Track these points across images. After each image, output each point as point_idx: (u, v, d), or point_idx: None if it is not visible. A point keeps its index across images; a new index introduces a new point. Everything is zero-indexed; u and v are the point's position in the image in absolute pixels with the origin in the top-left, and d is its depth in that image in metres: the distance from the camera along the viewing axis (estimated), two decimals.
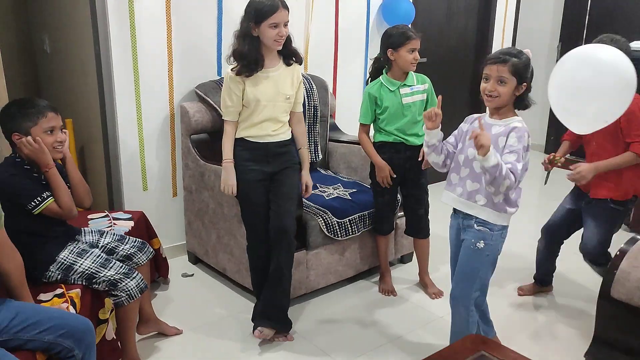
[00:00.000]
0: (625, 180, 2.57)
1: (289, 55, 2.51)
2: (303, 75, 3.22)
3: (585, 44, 5.34)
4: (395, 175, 2.84)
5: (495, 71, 2.01)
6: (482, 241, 2.11)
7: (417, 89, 2.84)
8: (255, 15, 2.36)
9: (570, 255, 3.32)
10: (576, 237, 2.89)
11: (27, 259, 1.98)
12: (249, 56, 2.39)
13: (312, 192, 3.04)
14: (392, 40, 2.76)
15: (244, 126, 2.51)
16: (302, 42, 3.59)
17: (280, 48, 2.43)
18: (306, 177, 2.69)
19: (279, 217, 2.51)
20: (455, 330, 2.28)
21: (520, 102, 2.09)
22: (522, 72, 2.02)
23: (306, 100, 3.25)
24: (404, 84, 2.81)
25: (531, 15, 5.48)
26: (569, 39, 5.45)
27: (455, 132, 2.24)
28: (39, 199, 2.12)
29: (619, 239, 2.91)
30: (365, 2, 3.89)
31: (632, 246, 2.01)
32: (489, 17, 4.85)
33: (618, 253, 2.02)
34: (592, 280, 3.07)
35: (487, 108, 2.15)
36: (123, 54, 2.97)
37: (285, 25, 2.38)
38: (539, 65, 5.62)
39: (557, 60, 5.45)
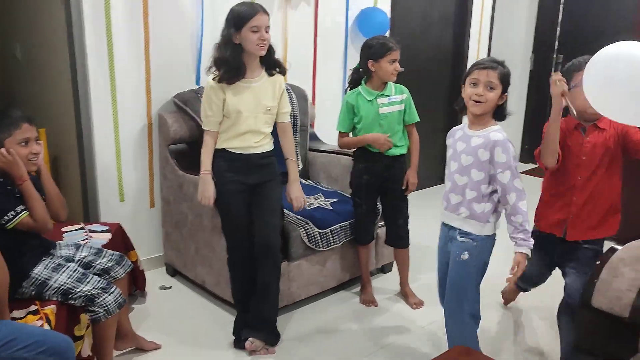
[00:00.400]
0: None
1: (272, 65, 2.47)
2: None
3: (557, 54, 5.52)
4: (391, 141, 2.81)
5: (486, 76, 2.01)
6: (466, 252, 2.11)
7: (395, 99, 2.85)
8: (235, 21, 2.34)
9: None
10: None
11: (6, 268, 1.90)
12: (230, 63, 2.36)
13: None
14: (372, 51, 2.76)
15: (225, 137, 2.46)
16: (281, 52, 3.57)
17: (263, 53, 2.38)
18: (294, 190, 2.59)
19: (265, 233, 2.48)
20: (452, 342, 2.26)
21: (500, 112, 2.09)
22: (508, 81, 2.05)
23: None
24: (382, 94, 2.82)
25: (505, 26, 5.58)
26: (542, 50, 5.58)
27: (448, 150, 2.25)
28: (12, 213, 2.06)
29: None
30: (344, 12, 3.90)
31: (612, 255, 2.04)
32: (464, 27, 4.92)
33: (598, 262, 2.04)
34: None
35: (467, 117, 2.14)
36: (99, 62, 2.91)
37: (267, 30, 2.35)
38: (513, 76, 5.72)
39: (530, 71, 5.65)
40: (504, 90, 2.05)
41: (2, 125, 2.08)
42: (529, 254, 2.04)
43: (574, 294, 2.19)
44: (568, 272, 2.30)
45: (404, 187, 2.90)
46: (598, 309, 1.96)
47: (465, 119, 2.17)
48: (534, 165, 5.78)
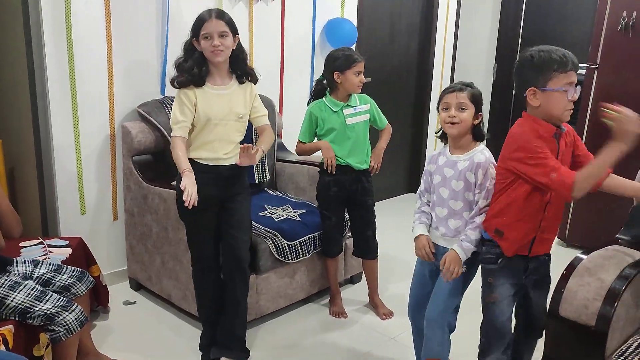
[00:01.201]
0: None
1: (243, 73, 2.42)
2: None
3: None
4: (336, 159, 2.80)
5: (455, 98, 2.06)
6: (464, 266, 2.10)
7: (361, 109, 2.85)
8: (193, 30, 2.31)
9: None
10: None
11: None
12: (189, 68, 2.31)
13: (260, 213, 2.98)
14: (338, 63, 2.76)
15: (193, 146, 2.39)
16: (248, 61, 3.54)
17: (219, 59, 2.30)
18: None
19: (235, 249, 2.43)
20: (428, 353, 2.24)
21: (479, 132, 2.12)
22: (479, 100, 2.09)
23: None
24: (347, 105, 2.82)
25: (469, 37, 5.67)
26: (504, 61, 5.69)
27: (423, 175, 2.25)
28: None
29: (560, 256, 3.00)
30: (310, 22, 3.90)
31: (578, 265, 2.08)
32: (429, 37, 4.99)
33: (564, 272, 2.07)
34: None
35: (449, 144, 2.15)
36: (59, 70, 2.82)
37: (222, 35, 2.27)
38: (478, 85, 5.86)
39: (493, 81, 5.75)
40: (478, 110, 2.08)
41: None
42: (462, 259, 2.04)
43: (542, 311, 2.12)
44: (532, 290, 2.13)
45: (370, 170, 2.91)
46: (565, 318, 1.98)
47: (441, 145, 2.21)
48: None
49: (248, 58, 2.44)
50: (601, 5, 3.72)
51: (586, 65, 3.88)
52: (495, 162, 2.08)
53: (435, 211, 2.17)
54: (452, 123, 2.06)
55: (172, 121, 2.37)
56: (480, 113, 2.09)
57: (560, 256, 3.69)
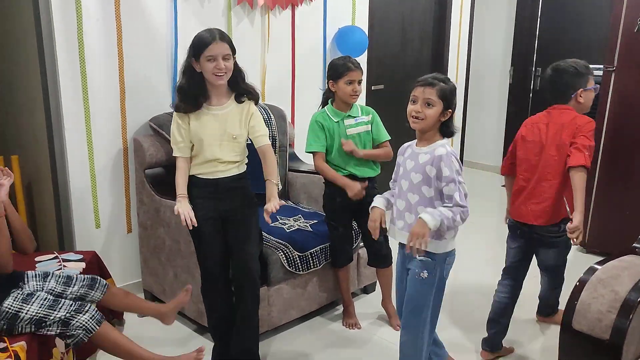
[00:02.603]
0: (561, 201, 2.49)
1: (242, 92, 2.40)
2: (260, 106, 3.18)
3: (535, 67, 5.57)
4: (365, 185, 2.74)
5: (423, 93, 2.02)
6: (425, 271, 2.09)
7: (362, 119, 2.82)
8: (194, 49, 2.29)
9: (532, 279, 3.34)
10: None
11: None
12: (188, 92, 2.32)
13: (272, 224, 2.98)
14: (331, 72, 2.76)
15: (193, 164, 2.41)
16: (259, 72, 3.56)
17: (221, 82, 2.31)
18: (269, 205, 2.33)
19: (243, 262, 2.42)
20: (404, 354, 2.25)
21: (446, 128, 2.09)
22: (449, 97, 2.03)
23: None
24: (349, 115, 2.80)
25: (484, 41, 5.63)
26: (521, 64, 5.63)
27: (395, 169, 2.24)
28: None
29: (578, 263, 2.94)
30: (321, 31, 3.90)
31: (590, 276, 2.03)
32: (443, 43, 4.95)
33: (577, 284, 2.03)
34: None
35: (416, 134, 2.15)
36: (72, 86, 2.86)
37: (226, 58, 2.27)
38: (493, 89, 5.82)
39: (510, 84, 5.69)
40: (447, 106, 2.03)
41: None
42: (430, 226, 1.96)
43: None
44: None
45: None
46: (579, 331, 1.95)
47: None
48: None
49: (246, 77, 2.41)
50: (617, 7, 3.65)
51: (602, 67, 3.81)
52: (457, 156, 2.06)
53: (397, 204, 2.14)
54: (416, 118, 2.03)
55: (172, 141, 2.41)
56: (449, 110, 2.04)
57: (578, 263, 3.63)
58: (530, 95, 5.68)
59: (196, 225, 2.30)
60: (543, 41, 5.54)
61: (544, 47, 5.53)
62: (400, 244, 2.22)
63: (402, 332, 2.24)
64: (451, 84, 2.06)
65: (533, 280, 2.90)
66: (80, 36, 2.83)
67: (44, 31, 2.77)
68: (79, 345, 2.15)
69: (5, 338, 2.05)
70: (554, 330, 2.69)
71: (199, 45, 2.27)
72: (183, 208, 2.31)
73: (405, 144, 2.22)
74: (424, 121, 2.03)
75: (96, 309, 2.21)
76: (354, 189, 2.69)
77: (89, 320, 2.14)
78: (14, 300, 2.12)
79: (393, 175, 2.27)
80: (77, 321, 2.12)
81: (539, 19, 5.52)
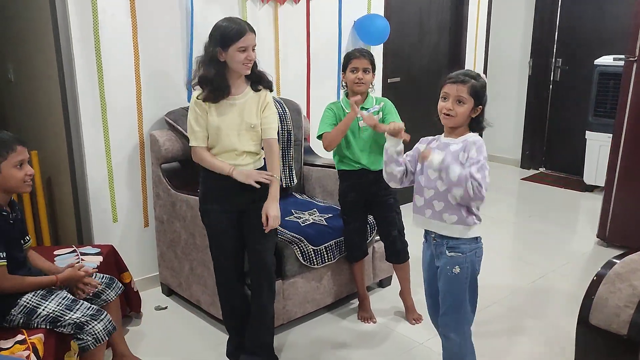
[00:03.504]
0: None
1: (257, 80, 2.40)
2: (276, 100, 3.18)
3: (556, 59, 5.47)
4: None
5: (455, 90, 2.03)
6: (457, 266, 2.09)
7: (375, 109, 2.80)
8: (222, 40, 2.28)
9: (548, 273, 3.31)
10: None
11: None
12: (215, 82, 2.31)
13: (287, 218, 2.99)
14: (343, 62, 2.75)
15: (210, 153, 2.40)
16: (273, 66, 3.55)
17: (248, 72, 2.34)
18: (272, 209, 2.36)
19: (259, 256, 2.43)
20: (451, 357, 2.22)
21: (477, 124, 2.10)
22: (480, 94, 2.04)
23: (280, 124, 3.19)
24: (362, 107, 2.77)
25: (502, 33, 5.54)
26: (540, 55, 5.53)
27: (411, 151, 2.23)
28: None
29: (599, 256, 2.88)
30: (336, 23, 3.88)
31: (608, 271, 1.99)
32: (460, 35, 4.89)
33: (595, 278, 1.99)
34: (572, 301, 3.05)
35: (444, 128, 2.15)
36: (89, 82, 2.89)
37: (254, 49, 2.31)
38: (512, 81, 5.73)
39: (529, 76, 5.60)
40: (478, 103, 2.04)
41: (8, 141, 2.10)
42: (434, 162, 1.99)
43: None
44: None
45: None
46: (596, 326, 1.91)
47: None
48: (536, 171, 5.72)
49: (258, 65, 2.41)
50: None
51: (624, 57, 3.73)
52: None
53: (424, 194, 2.13)
54: (448, 115, 2.04)
55: (188, 131, 2.40)
56: (480, 106, 2.05)
57: (599, 257, 3.58)
58: (550, 86, 5.59)
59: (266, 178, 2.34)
60: (563, 32, 5.43)
61: (564, 37, 5.43)
62: (426, 236, 2.21)
63: (442, 333, 2.21)
64: (482, 81, 2.06)
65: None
66: (96, 31, 2.86)
67: (61, 27, 2.80)
68: (85, 351, 2.16)
69: (24, 330, 2.09)
70: None
71: (230, 36, 2.26)
72: (249, 173, 2.33)
73: (428, 137, 2.21)
74: (455, 118, 2.04)
75: (110, 319, 2.23)
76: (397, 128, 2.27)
77: (101, 331, 2.17)
78: (33, 295, 2.15)
79: (409, 153, 2.23)
80: (90, 328, 2.14)
81: (559, 9, 5.41)
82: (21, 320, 2.11)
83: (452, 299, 2.13)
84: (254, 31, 2.32)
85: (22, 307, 2.11)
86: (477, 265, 2.15)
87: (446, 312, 2.18)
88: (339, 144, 2.79)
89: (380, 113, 2.81)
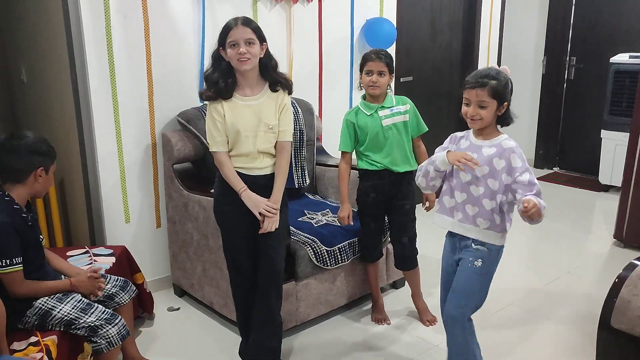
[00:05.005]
0: None
1: (275, 81, 2.36)
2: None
3: (570, 57, 5.40)
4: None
5: (475, 95, 2.01)
6: (480, 260, 2.10)
7: (398, 109, 2.77)
8: (220, 38, 2.28)
9: (564, 274, 3.25)
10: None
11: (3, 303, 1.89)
12: (217, 80, 2.29)
13: (299, 218, 2.96)
14: (360, 63, 2.75)
15: (230, 156, 2.36)
16: (286, 65, 3.53)
17: (245, 67, 2.25)
18: (270, 201, 2.32)
19: (269, 260, 2.39)
20: (454, 351, 2.22)
21: (503, 120, 2.09)
22: (502, 93, 2.01)
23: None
24: (382, 106, 2.75)
25: (515, 30, 5.48)
26: (554, 53, 5.46)
27: (439, 150, 2.20)
28: (7, 261, 2.02)
29: (616, 258, 2.82)
30: (348, 23, 3.85)
31: (631, 273, 1.95)
32: (473, 33, 4.83)
33: (616, 280, 1.95)
34: (589, 303, 3.01)
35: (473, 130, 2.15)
36: (101, 83, 2.88)
37: (249, 43, 2.23)
38: (525, 80, 5.66)
39: (542, 75, 5.53)
40: (501, 102, 2.02)
41: (52, 155, 2.23)
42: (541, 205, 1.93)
43: None
44: None
45: (425, 206, 2.84)
46: (618, 330, 1.87)
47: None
48: (550, 171, 5.66)
49: (278, 66, 2.37)
50: None
51: None
52: None
53: (455, 196, 2.12)
54: (473, 119, 2.03)
55: (207, 137, 2.37)
56: (505, 103, 2.03)
57: (617, 258, 3.52)
58: (565, 85, 5.52)
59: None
60: (578, 29, 5.37)
61: (579, 35, 5.36)
62: (451, 234, 2.20)
63: (448, 324, 2.21)
64: (502, 78, 2.03)
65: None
66: (109, 31, 2.85)
67: (73, 27, 2.79)
68: (99, 354, 2.16)
69: (37, 332, 2.08)
70: None
71: (223, 32, 2.26)
72: (259, 203, 2.30)
73: (458, 134, 2.19)
74: (481, 121, 2.03)
75: (125, 324, 2.22)
76: (343, 211, 2.79)
77: (115, 335, 2.16)
78: (49, 298, 2.14)
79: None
80: (105, 331, 2.14)
81: (573, 6, 5.35)
82: (36, 322, 2.11)
83: (465, 291, 2.14)
84: (250, 25, 2.25)
85: (37, 309, 2.11)
86: (495, 267, 2.16)
87: (453, 304, 2.16)
88: (363, 142, 2.77)
89: (407, 115, 2.78)
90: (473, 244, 2.11)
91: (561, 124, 5.61)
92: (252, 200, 2.31)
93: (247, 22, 2.26)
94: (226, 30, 2.25)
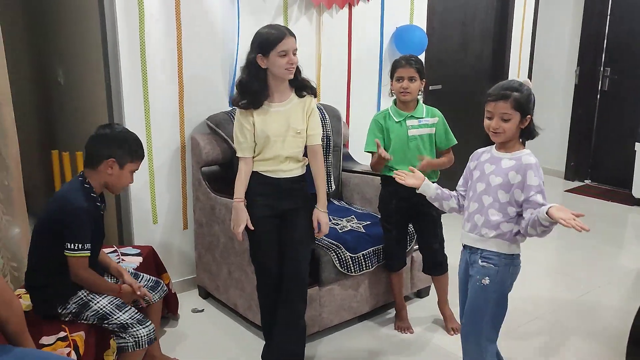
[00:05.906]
0: None
1: (301, 87, 2.41)
2: (317, 106, 3.16)
3: (604, 68, 5.29)
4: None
5: (498, 108, 1.98)
6: (486, 278, 2.05)
7: (426, 121, 2.75)
8: (261, 46, 2.30)
9: (594, 289, 3.18)
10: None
11: (49, 288, 2.02)
12: (252, 88, 2.33)
13: None
14: (390, 69, 2.74)
15: (257, 159, 2.42)
16: (314, 71, 3.55)
17: (292, 77, 2.35)
18: (322, 216, 2.47)
19: (294, 264, 2.41)
20: None
21: (527, 133, 2.06)
22: (525, 105, 1.98)
23: None
24: (412, 116, 2.74)
25: (548, 40, 5.41)
26: (587, 63, 5.37)
27: (464, 174, 2.21)
28: (79, 245, 2.07)
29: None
30: (378, 29, 3.85)
31: None
32: (504, 42, 4.79)
33: None
34: (619, 319, 2.93)
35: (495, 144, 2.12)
36: (134, 86, 2.94)
37: (294, 53, 2.32)
38: (557, 90, 5.57)
39: (575, 85, 5.44)
40: (524, 114, 1.98)
41: (134, 153, 2.23)
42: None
43: None
44: None
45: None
46: None
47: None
48: (581, 183, 5.55)
49: (302, 71, 2.43)
50: None
51: None
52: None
53: (469, 207, 2.11)
54: (495, 133, 2.01)
55: (234, 142, 2.43)
56: (528, 116, 1.99)
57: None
58: (598, 96, 5.42)
59: (252, 228, 2.39)
60: (612, 40, 5.26)
61: (613, 46, 5.26)
62: (465, 248, 2.17)
63: (462, 342, 2.19)
64: (525, 91, 2.00)
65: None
66: (142, 36, 2.91)
67: (109, 32, 2.87)
68: (123, 351, 2.19)
69: (66, 327, 2.12)
70: None
71: (270, 41, 2.28)
72: (240, 219, 2.39)
73: (480, 150, 2.18)
74: (504, 135, 2.01)
75: (154, 329, 2.25)
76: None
77: (144, 337, 2.19)
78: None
79: (461, 180, 2.23)
80: (135, 330, 2.17)
81: (608, 16, 5.25)
82: (74, 310, 2.15)
83: (474, 310, 2.10)
84: (293, 35, 2.33)
85: (78, 298, 2.16)
86: (509, 283, 2.10)
87: (465, 323, 2.15)
88: (387, 148, 2.74)
89: (433, 128, 2.76)
90: (480, 260, 2.06)
91: (594, 136, 5.50)
92: (238, 215, 2.39)
93: (291, 32, 2.33)
94: (276, 40, 2.28)
